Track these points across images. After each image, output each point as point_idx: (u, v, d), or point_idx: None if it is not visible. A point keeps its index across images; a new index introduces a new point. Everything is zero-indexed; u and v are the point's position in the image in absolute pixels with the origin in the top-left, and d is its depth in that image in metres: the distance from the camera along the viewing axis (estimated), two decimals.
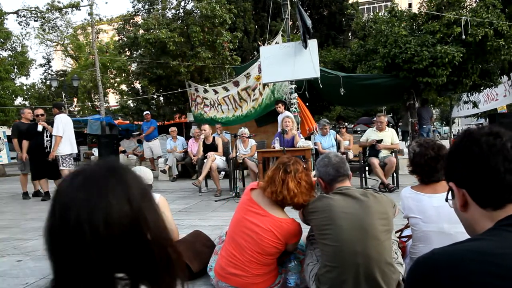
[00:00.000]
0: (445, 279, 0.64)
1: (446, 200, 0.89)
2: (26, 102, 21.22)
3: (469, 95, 12.68)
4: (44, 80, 23.32)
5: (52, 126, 6.23)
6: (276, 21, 14.82)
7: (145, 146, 10.12)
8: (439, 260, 0.67)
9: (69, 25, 20.47)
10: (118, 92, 20.70)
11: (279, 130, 6.18)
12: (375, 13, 10.63)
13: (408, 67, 8.11)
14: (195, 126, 10.39)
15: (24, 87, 20.64)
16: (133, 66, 15.48)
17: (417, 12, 9.25)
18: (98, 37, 18.86)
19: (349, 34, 18.13)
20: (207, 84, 11.52)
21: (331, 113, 17.02)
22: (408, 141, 9.82)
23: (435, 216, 1.91)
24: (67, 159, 6.13)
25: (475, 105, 14.20)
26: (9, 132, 8.86)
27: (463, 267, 0.64)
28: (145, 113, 10.39)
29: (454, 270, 0.64)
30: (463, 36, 7.83)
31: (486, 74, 9.20)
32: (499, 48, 8.00)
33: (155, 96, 13.64)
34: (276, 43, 7.84)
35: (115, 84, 20.59)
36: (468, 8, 8.63)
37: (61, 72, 24.30)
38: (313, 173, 2.23)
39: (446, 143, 8.73)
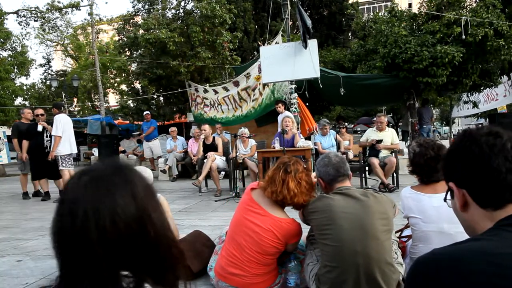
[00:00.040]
0: (445, 279, 0.64)
1: (445, 200, 0.89)
2: (26, 102, 21.25)
3: (469, 95, 12.68)
4: (44, 80, 23.34)
5: (52, 126, 6.23)
6: (276, 21, 14.82)
7: (145, 146, 10.12)
8: (439, 260, 0.67)
9: (69, 25, 20.51)
10: (118, 92, 20.71)
11: (279, 130, 6.18)
12: (375, 13, 10.63)
13: (408, 67, 8.11)
14: (195, 126, 10.39)
15: (24, 87, 20.67)
16: (133, 66, 15.49)
17: (417, 12, 9.24)
18: (98, 37, 18.86)
19: (349, 34, 18.13)
20: (207, 84, 11.52)
21: (331, 113, 17.02)
22: (408, 141, 9.83)
23: (435, 216, 1.91)
24: (66, 159, 6.13)
25: (475, 105, 14.20)
26: (9, 132, 8.86)
27: (463, 267, 0.64)
28: (145, 113, 10.39)
29: (454, 270, 0.64)
30: (463, 36, 7.83)
31: (486, 74, 9.20)
32: (499, 48, 8.00)
33: (155, 96, 13.65)
34: (276, 43, 7.84)
35: (115, 84, 20.60)
36: (468, 8, 8.63)
37: (61, 72, 24.31)
38: (314, 174, 2.22)
39: (446, 143, 8.73)
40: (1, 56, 16.12)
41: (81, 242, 0.61)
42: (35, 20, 17.40)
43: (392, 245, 1.90)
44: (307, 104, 8.54)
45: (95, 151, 14.09)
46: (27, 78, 19.59)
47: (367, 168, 6.10)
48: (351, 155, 6.74)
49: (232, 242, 2.13)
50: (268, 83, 7.89)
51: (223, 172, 7.01)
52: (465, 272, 0.63)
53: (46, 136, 6.50)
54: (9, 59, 16.10)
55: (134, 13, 14.35)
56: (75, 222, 0.61)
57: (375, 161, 5.68)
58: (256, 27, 16.51)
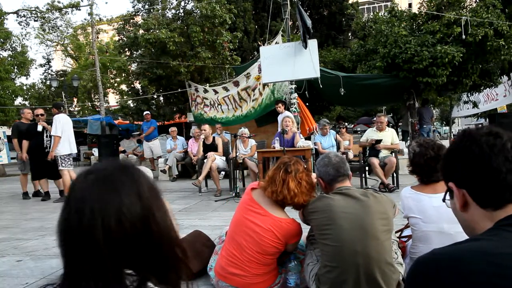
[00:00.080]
0: (445, 279, 0.64)
1: (444, 200, 0.89)
2: (26, 102, 21.25)
3: (469, 95, 12.68)
4: (44, 80, 23.34)
5: (51, 126, 6.23)
6: (276, 21, 14.82)
7: (145, 146, 10.12)
8: (439, 260, 0.67)
9: (69, 25, 20.52)
10: (118, 92, 20.71)
11: (279, 130, 6.18)
12: (375, 13, 10.63)
13: (408, 67, 8.11)
14: (195, 126, 10.39)
15: (24, 87, 20.67)
16: (133, 66, 15.49)
17: (417, 12, 9.24)
18: (98, 37, 18.86)
19: (349, 34, 18.13)
20: (207, 84, 11.53)
21: (331, 113, 17.02)
22: (408, 141, 9.83)
23: (435, 216, 1.91)
24: (66, 159, 6.13)
25: (475, 105, 14.20)
26: (9, 132, 8.86)
27: (463, 267, 0.64)
28: (145, 113, 10.39)
29: (454, 270, 0.64)
30: (463, 36, 7.83)
31: (486, 74, 9.20)
32: (499, 48, 8.00)
33: (155, 96, 13.65)
34: (276, 43, 7.84)
35: (115, 84, 20.60)
36: (468, 8, 8.63)
37: (61, 72, 24.32)
38: (314, 174, 2.22)
39: (446, 143, 8.73)
40: (1, 56, 16.13)
41: (88, 240, 0.61)
42: (35, 20, 17.43)
43: (392, 245, 1.90)
44: (307, 104, 8.54)
45: (95, 151, 14.10)
46: (27, 78, 19.63)
47: (367, 168, 6.10)
48: (351, 155, 6.74)
49: (232, 242, 2.13)
50: (268, 83, 7.89)
51: (223, 172, 7.01)
52: (465, 272, 0.63)
53: (46, 136, 6.50)
54: (9, 59, 16.10)
55: (134, 13, 14.35)
56: (82, 221, 0.62)
57: (375, 161, 5.68)
58: (256, 27, 16.51)
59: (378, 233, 1.76)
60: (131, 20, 14.49)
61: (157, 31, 10.82)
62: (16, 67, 16.32)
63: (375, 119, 6.64)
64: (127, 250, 0.63)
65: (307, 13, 11.33)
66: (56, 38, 21.30)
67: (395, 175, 5.84)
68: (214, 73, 12.45)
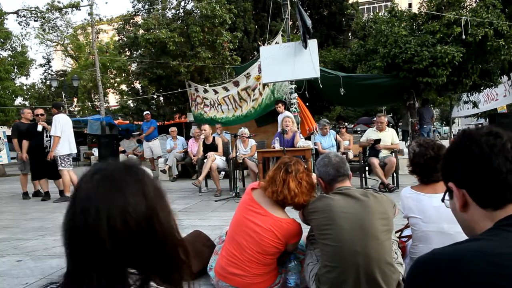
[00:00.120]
0: (445, 279, 0.64)
1: (443, 200, 0.89)
2: (26, 102, 21.25)
3: (469, 95, 12.68)
4: (44, 80, 23.35)
5: (51, 126, 6.23)
6: (276, 21, 14.82)
7: (145, 146, 10.12)
8: (439, 260, 0.67)
9: (69, 25, 20.53)
10: (118, 92, 20.72)
11: (279, 130, 6.18)
12: (375, 13, 10.63)
13: (408, 67, 8.11)
14: (195, 126, 10.39)
15: (24, 87, 20.67)
16: (133, 66, 15.49)
17: (417, 12, 9.24)
18: (98, 37, 18.87)
19: (349, 34, 18.13)
20: (207, 84, 11.53)
21: (331, 113, 17.02)
22: (408, 141, 9.82)
23: (435, 216, 1.91)
24: (65, 159, 6.13)
25: (475, 105, 14.20)
26: (9, 132, 8.86)
27: (463, 267, 0.64)
28: (145, 113, 10.39)
29: (454, 270, 0.64)
30: (463, 36, 7.83)
31: (486, 74, 9.20)
32: (499, 48, 8.00)
33: (155, 96, 13.65)
34: (276, 43, 7.84)
35: (115, 84, 20.61)
36: (468, 8, 8.63)
37: (61, 72, 24.32)
38: (314, 175, 2.22)
39: (446, 143, 8.72)
40: (1, 56, 16.13)
41: (93, 240, 0.62)
42: (35, 20, 17.44)
43: (392, 245, 1.90)
44: (307, 104, 8.54)
45: (95, 151, 14.10)
46: (27, 78, 19.62)
47: (367, 168, 6.11)
48: (351, 155, 6.74)
49: (232, 242, 2.13)
50: (268, 83, 7.89)
51: (223, 172, 7.01)
52: (465, 272, 0.63)
53: (46, 136, 6.50)
54: (9, 59, 16.10)
55: (134, 13, 14.35)
56: (88, 220, 0.62)
57: (375, 161, 5.68)
58: (256, 27, 16.51)
59: (378, 233, 1.77)
60: (131, 20, 14.49)
61: (157, 31, 10.82)
62: (16, 67, 16.33)
63: (375, 119, 6.64)
64: (131, 250, 0.64)
65: (307, 13, 11.33)
66: (56, 38, 21.33)
67: (395, 175, 5.84)
68: (214, 73, 12.45)
